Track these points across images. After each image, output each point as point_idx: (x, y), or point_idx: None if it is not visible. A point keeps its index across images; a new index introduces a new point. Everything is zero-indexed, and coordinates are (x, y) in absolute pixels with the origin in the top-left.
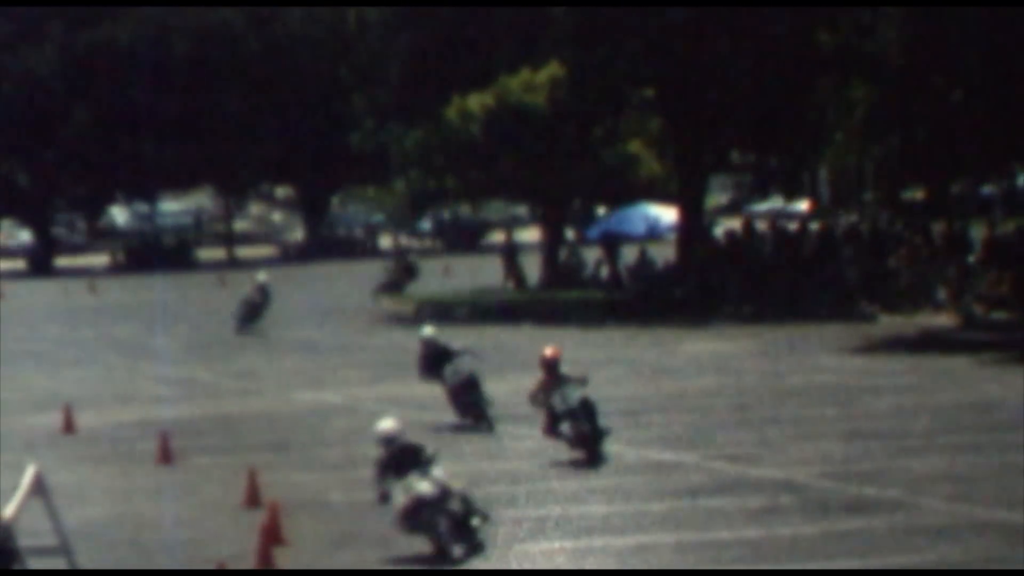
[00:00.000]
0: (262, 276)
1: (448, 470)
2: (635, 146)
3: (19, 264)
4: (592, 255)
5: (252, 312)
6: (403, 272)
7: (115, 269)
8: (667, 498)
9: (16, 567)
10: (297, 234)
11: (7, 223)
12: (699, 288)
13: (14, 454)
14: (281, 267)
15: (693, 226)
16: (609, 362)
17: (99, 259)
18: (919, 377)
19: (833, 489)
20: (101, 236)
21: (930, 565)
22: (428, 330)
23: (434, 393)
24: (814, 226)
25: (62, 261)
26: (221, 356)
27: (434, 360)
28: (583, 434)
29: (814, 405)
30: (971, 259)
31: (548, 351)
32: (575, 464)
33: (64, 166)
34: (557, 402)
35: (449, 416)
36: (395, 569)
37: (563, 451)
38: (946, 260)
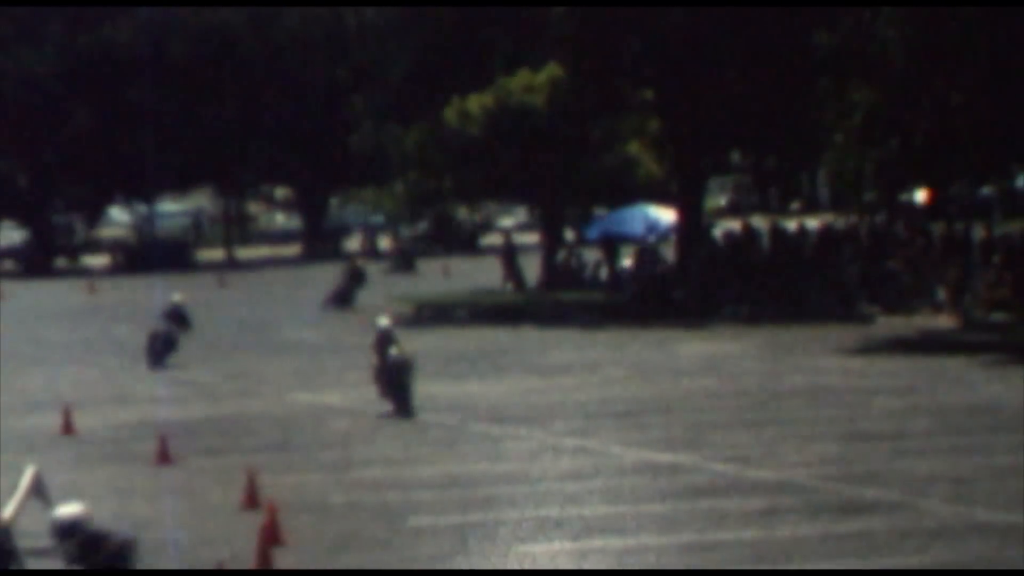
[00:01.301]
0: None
1: None
2: (634, 147)
3: (18, 264)
4: (591, 256)
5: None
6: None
7: (114, 270)
8: (666, 499)
9: (15, 568)
10: (417, 228)
11: (6, 224)
12: (698, 289)
13: (13, 455)
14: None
15: (692, 227)
16: (608, 363)
17: (98, 260)
18: (918, 378)
19: (832, 490)
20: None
21: (929, 566)
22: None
23: (431, 393)
24: (812, 226)
25: (61, 262)
26: (220, 357)
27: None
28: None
29: (813, 406)
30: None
31: None
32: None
33: (63, 167)
34: None
35: (449, 417)
36: (395, 569)
37: (563, 450)
38: (945, 261)
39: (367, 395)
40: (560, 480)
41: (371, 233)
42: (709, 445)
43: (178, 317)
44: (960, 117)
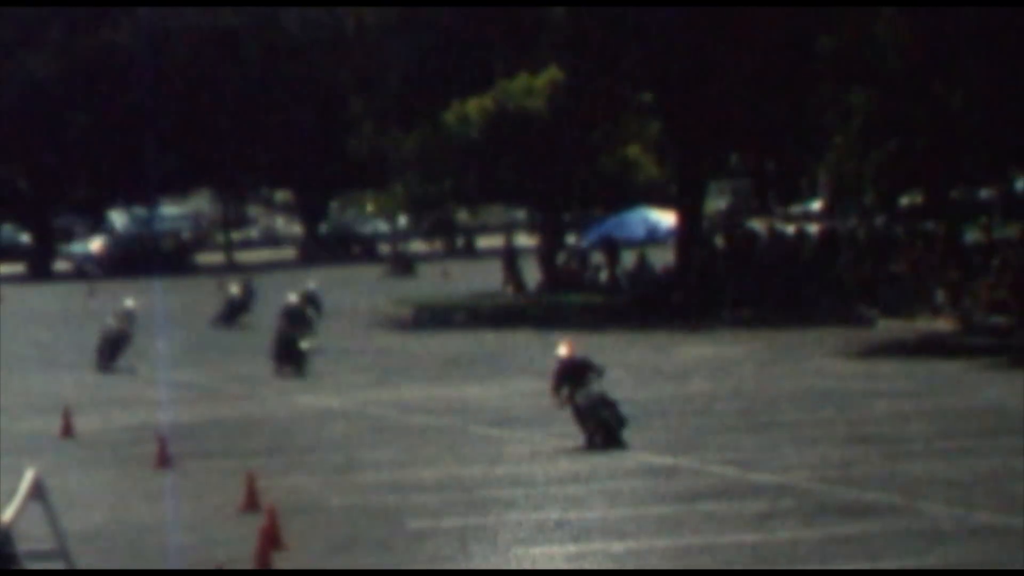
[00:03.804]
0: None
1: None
2: (634, 150)
3: (18, 267)
4: (592, 259)
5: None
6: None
7: (114, 272)
8: (666, 502)
9: (15, 570)
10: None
11: (7, 226)
12: (698, 292)
13: (13, 458)
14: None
15: (692, 230)
16: (608, 366)
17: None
18: (918, 381)
19: (832, 493)
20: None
21: (929, 569)
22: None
23: (433, 396)
24: (812, 230)
25: (62, 265)
26: (219, 360)
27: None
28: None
29: (813, 409)
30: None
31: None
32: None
33: (64, 170)
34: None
35: (449, 420)
36: (395, 569)
37: (563, 453)
38: (945, 264)
39: (367, 397)
40: (560, 483)
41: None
42: (709, 448)
43: (313, 300)
44: (959, 120)
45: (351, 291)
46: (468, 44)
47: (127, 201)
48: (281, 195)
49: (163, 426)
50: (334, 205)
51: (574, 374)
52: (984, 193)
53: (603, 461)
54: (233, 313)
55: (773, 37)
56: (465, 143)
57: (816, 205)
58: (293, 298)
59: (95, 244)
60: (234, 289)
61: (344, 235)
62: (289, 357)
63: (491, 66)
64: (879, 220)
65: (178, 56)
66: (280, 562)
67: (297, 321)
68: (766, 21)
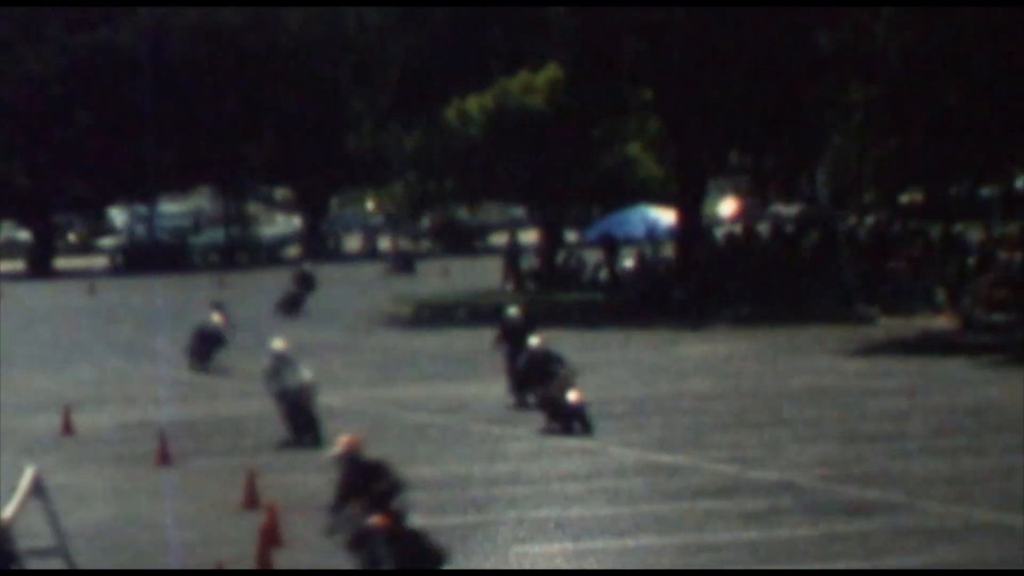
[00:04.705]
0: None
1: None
2: (634, 148)
3: (18, 265)
4: (592, 257)
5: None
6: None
7: (114, 270)
8: (666, 500)
9: (14, 568)
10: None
11: (7, 224)
12: (699, 290)
13: (13, 455)
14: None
15: (691, 228)
16: (608, 364)
17: (99, 260)
18: (918, 379)
19: (832, 491)
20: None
21: (929, 567)
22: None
23: (433, 394)
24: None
25: (61, 262)
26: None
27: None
28: None
29: (813, 407)
30: (969, 261)
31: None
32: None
33: (64, 167)
34: None
35: (448, 417)
36: (393, 569)
37: (562, 451)
38: (944, 262)
39: (367, 395)
40: (559, 481)
41: (371, 234)
42: (709, 446)
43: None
44: (958, 118)
45: (352, 288)
46: (468, 42)
47: (127, 198)
48: (281, 192)
49: (163, 423)
50: (334, 202)
51: (362, 483)
52: (984, 191)
53: (603, 459)
54: (209, 347)
55: (772, 34)
56: (465, 141)
57: (725, 208)
58: (534, 342)
59: None
60: (215, 318)
61: (462, 228)
62: (566, 418)
63: (491, 64)
64: (869, 219)
65: (177, 54)
66: (280, 559)
67: (550, 370)
68: (766, 19)
